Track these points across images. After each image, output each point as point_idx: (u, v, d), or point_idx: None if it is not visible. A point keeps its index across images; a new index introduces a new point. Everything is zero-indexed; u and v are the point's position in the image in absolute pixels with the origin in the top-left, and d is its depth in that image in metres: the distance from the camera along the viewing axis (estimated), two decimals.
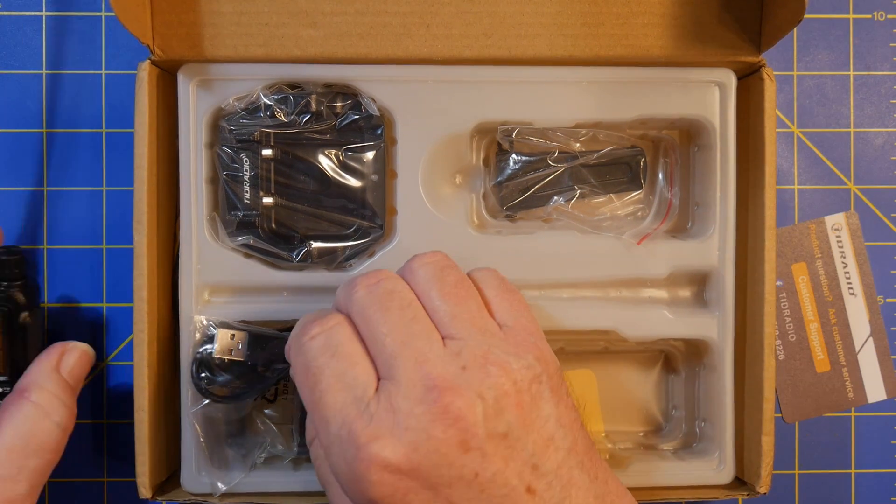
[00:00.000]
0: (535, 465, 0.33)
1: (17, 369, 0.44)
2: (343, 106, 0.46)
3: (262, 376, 0.44)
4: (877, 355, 0.53)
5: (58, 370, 0.42)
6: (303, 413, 0.42)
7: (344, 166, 0.47)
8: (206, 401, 0.44)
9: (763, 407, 0.45)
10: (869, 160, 0.53)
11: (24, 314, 0.46)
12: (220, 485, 0.45)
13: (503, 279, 0.40)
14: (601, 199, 0.50)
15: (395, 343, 0.34)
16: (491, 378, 0.33)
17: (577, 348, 0.50)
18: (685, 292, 0.49)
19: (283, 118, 0.46)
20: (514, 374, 0.33)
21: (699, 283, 0.49)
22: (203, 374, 0.44)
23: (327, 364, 0.34)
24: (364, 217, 0.47)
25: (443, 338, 0.35)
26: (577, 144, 0.49)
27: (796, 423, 0.53)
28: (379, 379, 0.34)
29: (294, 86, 0.46)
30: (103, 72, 0.51)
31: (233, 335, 0.44)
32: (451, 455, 0.32)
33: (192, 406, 0.45)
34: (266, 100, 0.46)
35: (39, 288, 0.50)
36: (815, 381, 0.53)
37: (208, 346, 0.44)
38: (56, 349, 0.43)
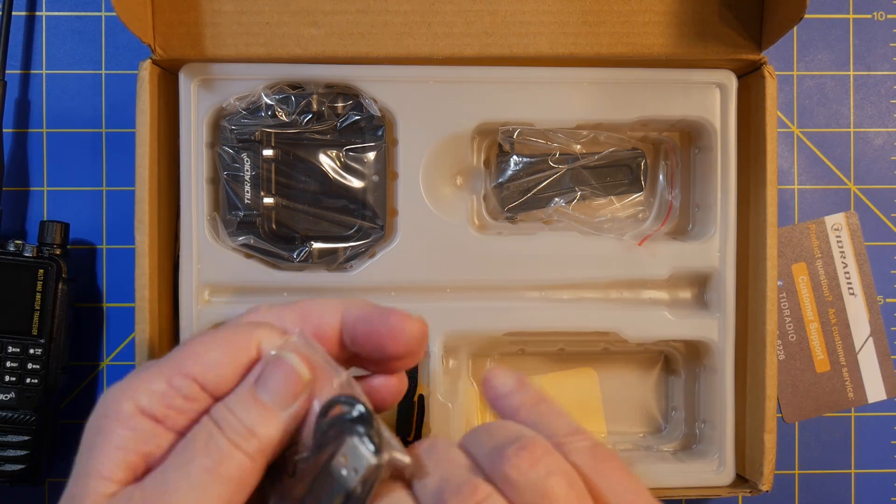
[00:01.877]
0: None
1: (47, 334, 0.46)
2: (344, 106, 0.46)
3: None
4: (877, 355, 0.53)
5: None
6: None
7: (345, 167, 0.47)
8: None
9: (765, 405, 0.45)
10: (869, 160, 0.53)
11: (61, 284, 0.46)
12: None
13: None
14: (602, 200, 0.50)
15: None
16: None
17: (577, 349, 0.50)
18: (686, 294, 0.49)
19: (284, 118, 0.46)
20: None
21: (700, 285, 0.49)
22: None
23: None
24: (365, 218, 0.47)
25: None
26: (578, 146, 0.49)
27: (796, 423, 0.53)
28: None
29: (295, 86, 0.46)
30: (103, 72, 0.51)
31: None
32: None
33: None
34: (267, 99, 0.45)
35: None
36: (815, 381, 0.53)
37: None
38: None
